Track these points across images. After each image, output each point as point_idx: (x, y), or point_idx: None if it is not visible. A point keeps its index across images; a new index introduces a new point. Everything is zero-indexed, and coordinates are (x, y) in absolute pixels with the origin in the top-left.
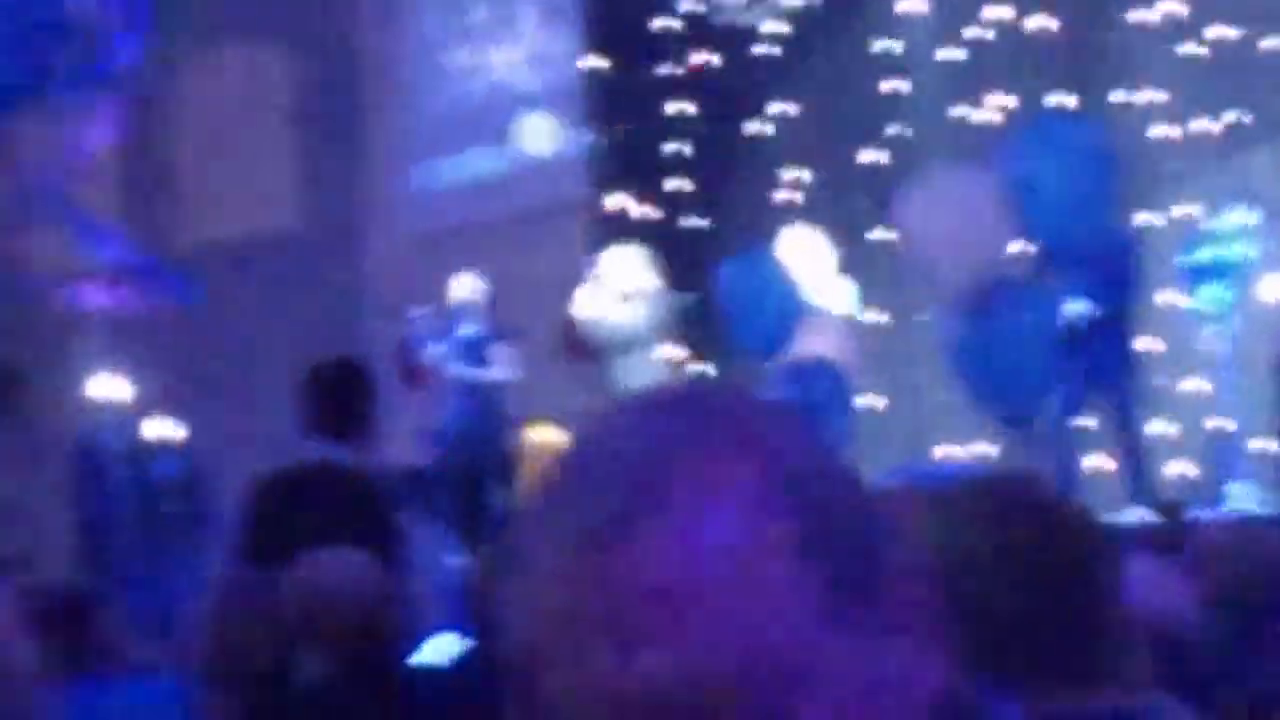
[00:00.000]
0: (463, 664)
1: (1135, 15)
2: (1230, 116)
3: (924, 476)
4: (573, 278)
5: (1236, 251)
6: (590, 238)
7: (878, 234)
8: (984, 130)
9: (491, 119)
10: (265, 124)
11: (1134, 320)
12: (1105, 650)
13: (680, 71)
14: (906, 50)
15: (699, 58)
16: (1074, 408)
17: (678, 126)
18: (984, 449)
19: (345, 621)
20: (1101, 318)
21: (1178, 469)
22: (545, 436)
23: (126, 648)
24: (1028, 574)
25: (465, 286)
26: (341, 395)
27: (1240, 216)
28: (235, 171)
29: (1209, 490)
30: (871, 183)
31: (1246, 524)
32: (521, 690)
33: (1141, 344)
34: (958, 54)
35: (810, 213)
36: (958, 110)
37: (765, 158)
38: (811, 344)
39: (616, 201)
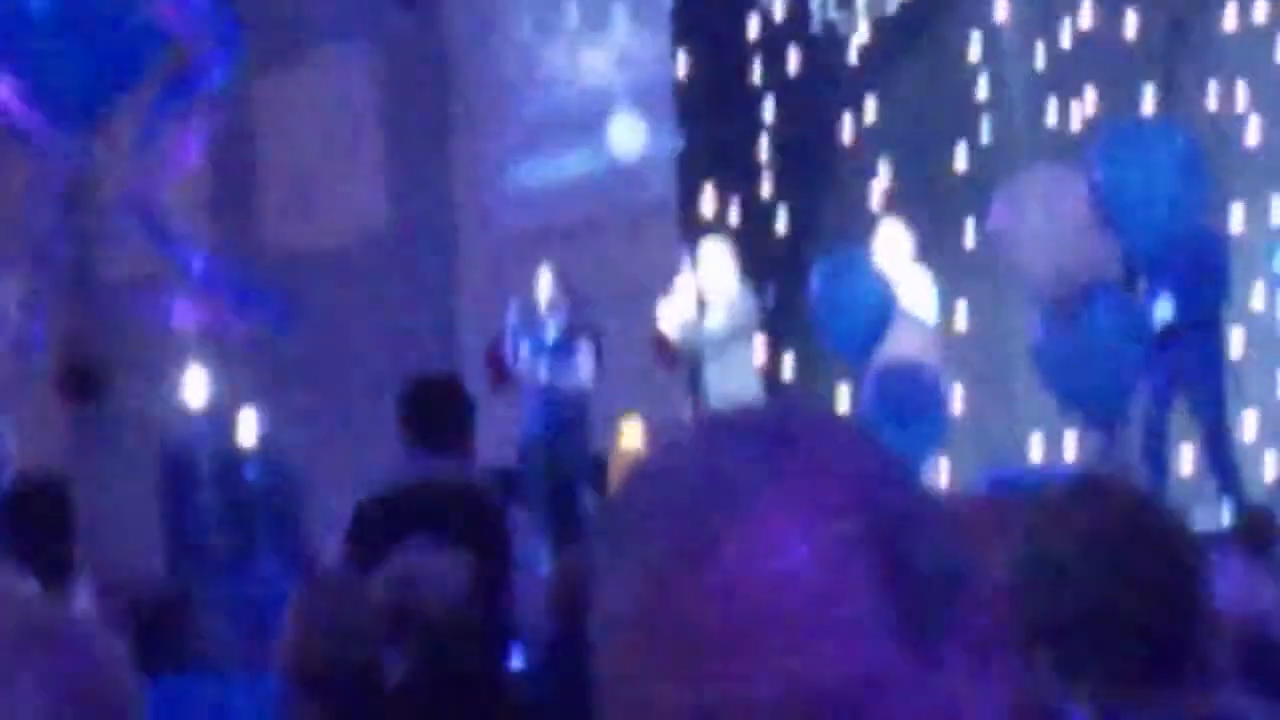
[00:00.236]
0: (549, 668)
1: (1228, 15)
2: None
3: (1015, 481)
4: (664, 279)
5: None
6: (681, 239)
7: (966, 237)
8: (1073, 133)
9: (583, 121)
10: (355, 127)
11: (1223, 322)
12: (1194, 653)
13: (770, 72)
14: (996, 52)
15: (789, 59)
16: (1163, 409)
17: (767, 128)
18: (1072, 452)
19: (433, 621)
20: (1190, 320)
21: (1268, 470)
22: (636, 439)
23: (217, 648)
24: (1120, 577)
25: (543, 285)
26: (442, 411)
27: None
28: (326, 176)
29: None
30: (960, 186)
31: None
32: (603, 705)
33: (1231, 346)
34: (1048, 55)
35: (898, 215)
36: (1048, 112)
37: (855, 160)
38: (900, 346)
39: (707, 203)
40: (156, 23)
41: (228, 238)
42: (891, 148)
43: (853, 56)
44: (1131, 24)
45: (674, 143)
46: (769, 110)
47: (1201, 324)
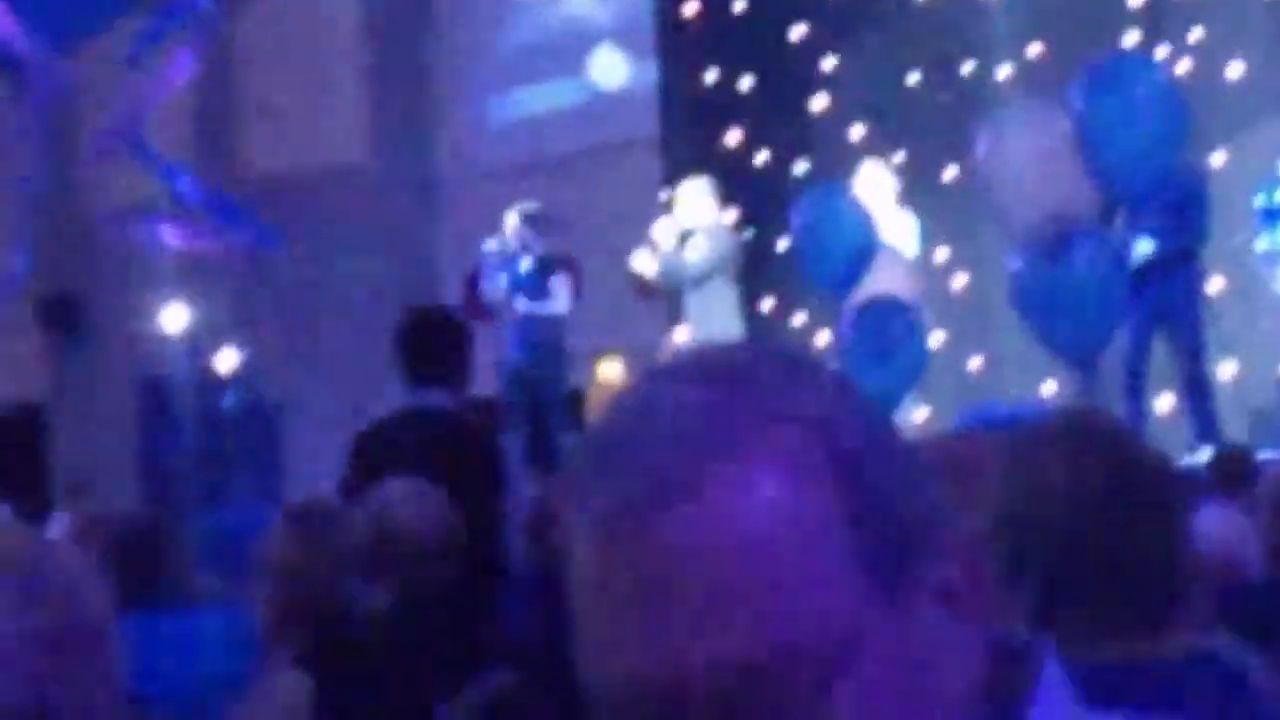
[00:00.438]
0: (527, 604)
1: None
2: None
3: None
4: (645, 212)
5: None
6: (663, 172)
7: (948, 173)
8: (1054, 69)
9: (564, 53)
10: (335, 58)
11: (1202, 261)
12: (1175, 592)
13: (752, 8)
14: None
15: None
16: (1141, 348)
17: (750, 63)
18: (1052, 389)
19: (411, 554)
20: (1169, 258)
21: (1246, 410)
22: (613, 371)
23: (193, 578)
24: (1103, 514)
25: (509, 224)
26: (439, 342)
27: None
28: (305, 105)
29: (1277, 433)
30: (942, 121)
31: None
32: (577, 653)
33: (1211, 285)
34: None
35: (880, 150)
36: (1030, 49)
37: (840, 95)
38: (881, 282)
39: (689, 136)
40: None
41: (206, 167)
42: (875, 83)
43: None
44: None
45: (655, 76)
46: (750, 46)
47: (1180, 260)
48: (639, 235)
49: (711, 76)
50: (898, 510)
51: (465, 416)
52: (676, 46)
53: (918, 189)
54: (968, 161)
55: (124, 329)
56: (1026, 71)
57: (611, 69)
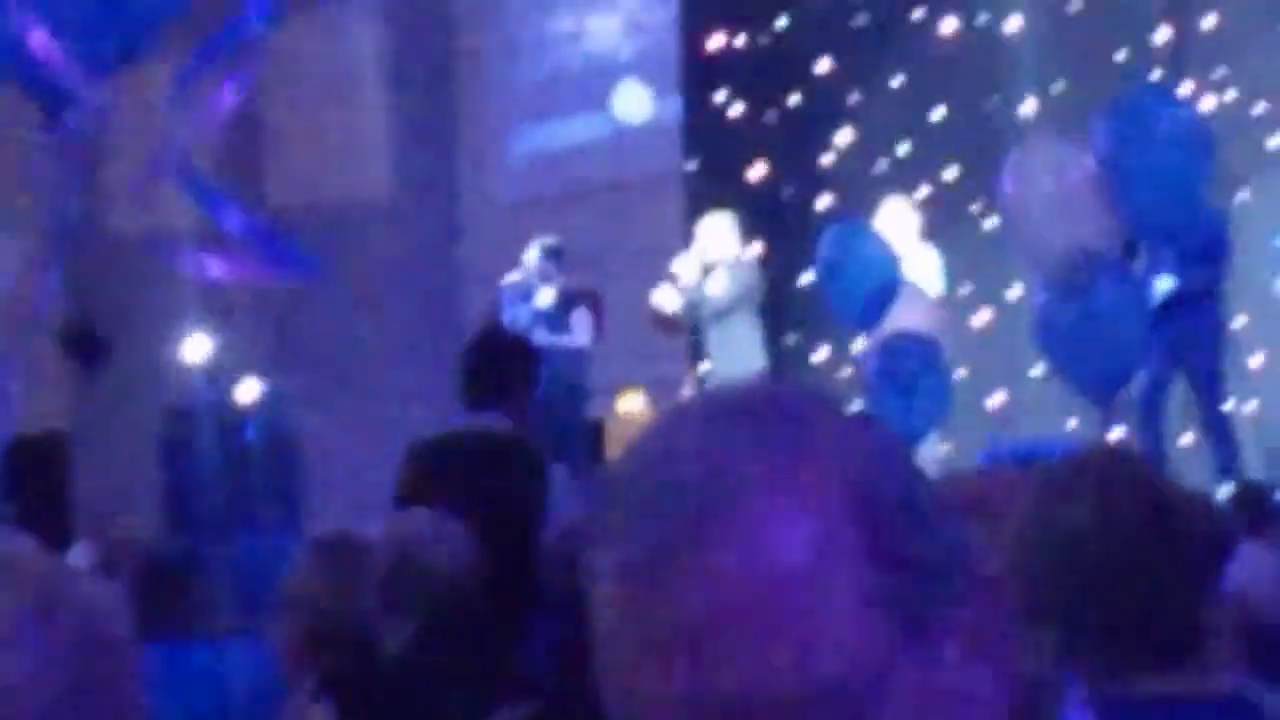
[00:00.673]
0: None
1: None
2: None
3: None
4: (668, 246)
5: None
6: (686, 207)
7: (972, 208)
8: (1081, 105)
9: (589, 86)
10: (359, 88)
11: (1223, 298)
12: (1201, 631)
13: (777, 43)
14: (1004, 22)
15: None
16: (1160, 385)
17: (775, 97)
18: (1073, 426)
19: (434, 587)
20: (1190, 295)
21: (1266, 450)
22: (633, 405)
23: (217, 609)
24: (1129, 553)
25: (530, 258)
26: (497, 364)
27: None
28: (329, 137)
29: None
30: (966, 156)
31: None
32: (603, 690)
33: (1232, 323)
34: (1055, 27)
35: (905, 185)
36: (1055, 84)
37: (863, 129)
38: (904, 318)
39: (711, 172)
40: None
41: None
42: (900, 118)
43: (858, 23)
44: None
45: (679, 111)
46: (775, 80)
47: (1201, 298)
48: (661, 269)
49: (736, 111)
50: (923, 549)
51: (515, 440)
52: (701, 81)
53: (941, 225)
54: (991, 197)
55: (146, 358)
56: (1051, 107)
57: (635, 103)
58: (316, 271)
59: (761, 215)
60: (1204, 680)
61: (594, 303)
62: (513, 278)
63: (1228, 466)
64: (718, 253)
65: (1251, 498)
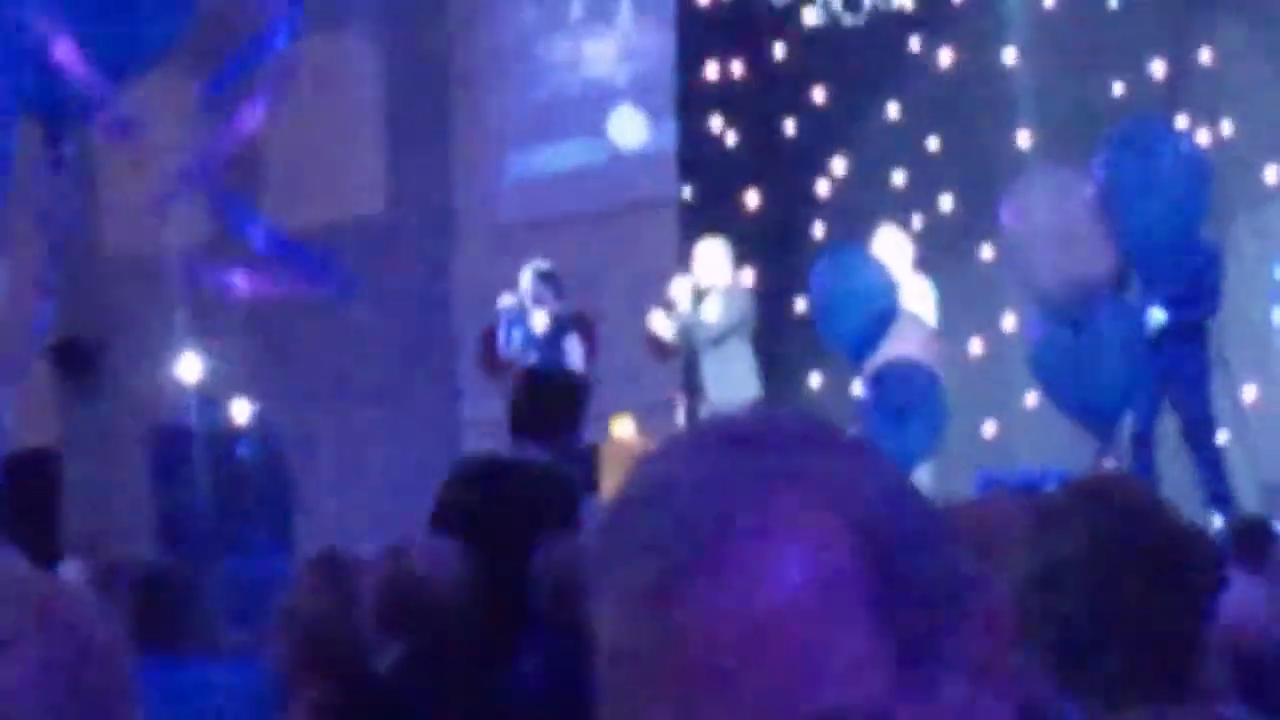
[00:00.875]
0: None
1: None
2: None
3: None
4: (662, 272)
5: None
6: (680, 232)
7: (966, 238)
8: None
9: (585, 112)
10: (355, 111)
11: (1215, 330)
12: (1195, 660)
13: (771, 68)
14: (1001, 53)
15: (793, 56)
16: (1149, 414)
17: (769, 124)
18: (1066, 455)
19: (429, 607)
20: (1182, 327)
21: (1259, 483)
22: (627, 430)
23: (210, 627)
24: (1126, 582)
25: (525, 281)
26: (539, 397)
27: None
28: (325, 158)
29: None
30: (964, 186)
31: None
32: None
33: (1226, 354)
34: (1052, 59)
35: (900, 215)
36: (1051, 116)
37: (858, 157)
38: (898, 346)
39: (706, 197)
40: None
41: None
42: (896, 145)
43: (855, 53)
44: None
45: (674, 137)
46: (770, 106)
47: (1193, 330)
48: (656, 295)
49: (731, 138)
50: (925, 578)
51: (549, 472)
52: (696, 107)
53: (936, 255)
54: (984, 228)
55: (138, 377)
56: (1047, 138)
57: (631, 128)
58: (354, 285)
59: (756, 242)
60: (1197, 709)
61: (587, 327)
62: (507, 301)
63: (1219, 498)
64: (712, 279)
65: (1250, 530)
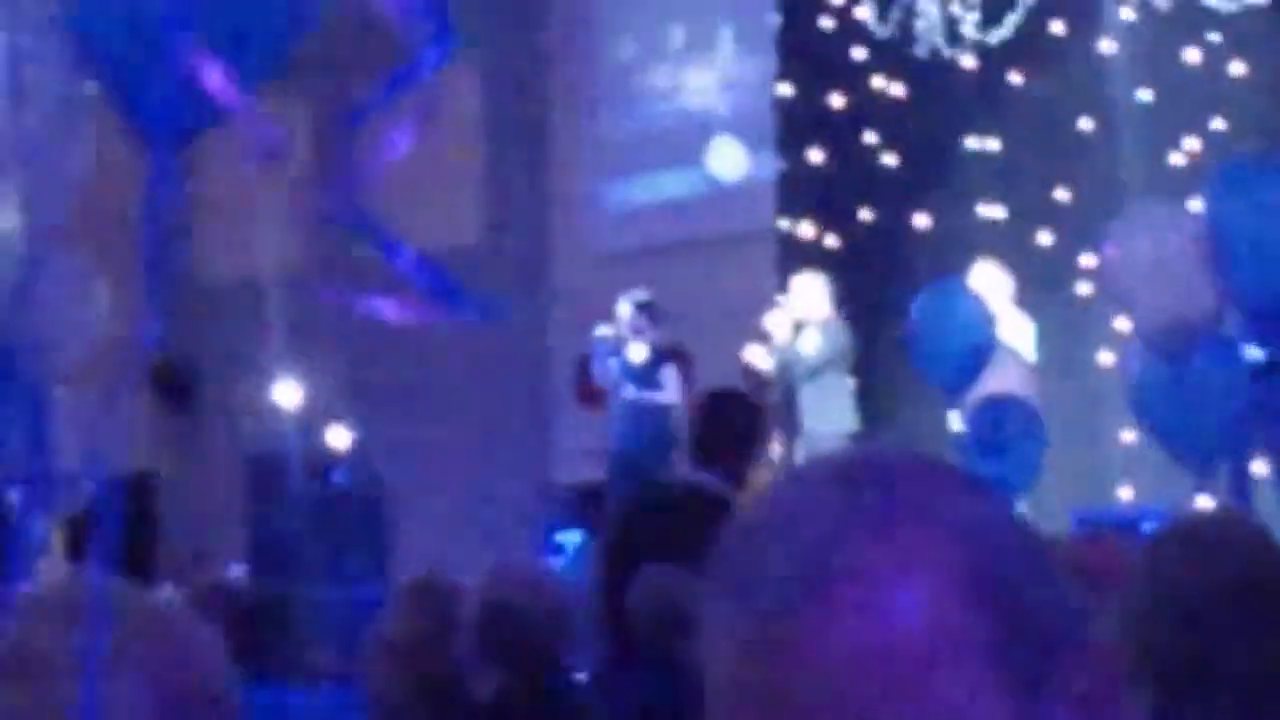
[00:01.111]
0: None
1: None
2: None
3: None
4: (759, 304)
5: None
6: (778, 265)
7: (1064, 273)
8: (1179, 173)
9: (683, 142)
10: (453, 142)
11: None
12: None
13: (873, 101)
14: (1103, 88)
15: (895, 88)
16: (1246, 449)
17: (869, 157)
18: (1165, 492)
19: (524, 638)
20: (1276, 366)
21: None
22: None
23: (310, 653)
24: (1234, 621)
25: (621, 313)
26: (717, 426)
27: None
28: (422, 189)
29: None
30: (1063, 221)
31: None
32: None
33: None
34: (1154, 94)
35: (1000, 248)
36: (1154, 152)
37: (957, 191)
38: (997, 380)
39: (804, 230)
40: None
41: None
42: (995, 180)
43: (956, 85)
44: (1240, 65)
45: (773, 168)
46: (870, 139)
47: None
48: (752, 327)
49: (830, 170)
50: (1040, 614)
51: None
52: (795, 138)
53: (1033, 288)
54: (1084, 263)
55: (235, 403)
56: (1153, 173)
57: (729, 159)
58: (507, 311)
59: (854, 274)
60: None
61: (685, 359)
62: (604, 331)
63: None
64: (810, 312)
65: None
